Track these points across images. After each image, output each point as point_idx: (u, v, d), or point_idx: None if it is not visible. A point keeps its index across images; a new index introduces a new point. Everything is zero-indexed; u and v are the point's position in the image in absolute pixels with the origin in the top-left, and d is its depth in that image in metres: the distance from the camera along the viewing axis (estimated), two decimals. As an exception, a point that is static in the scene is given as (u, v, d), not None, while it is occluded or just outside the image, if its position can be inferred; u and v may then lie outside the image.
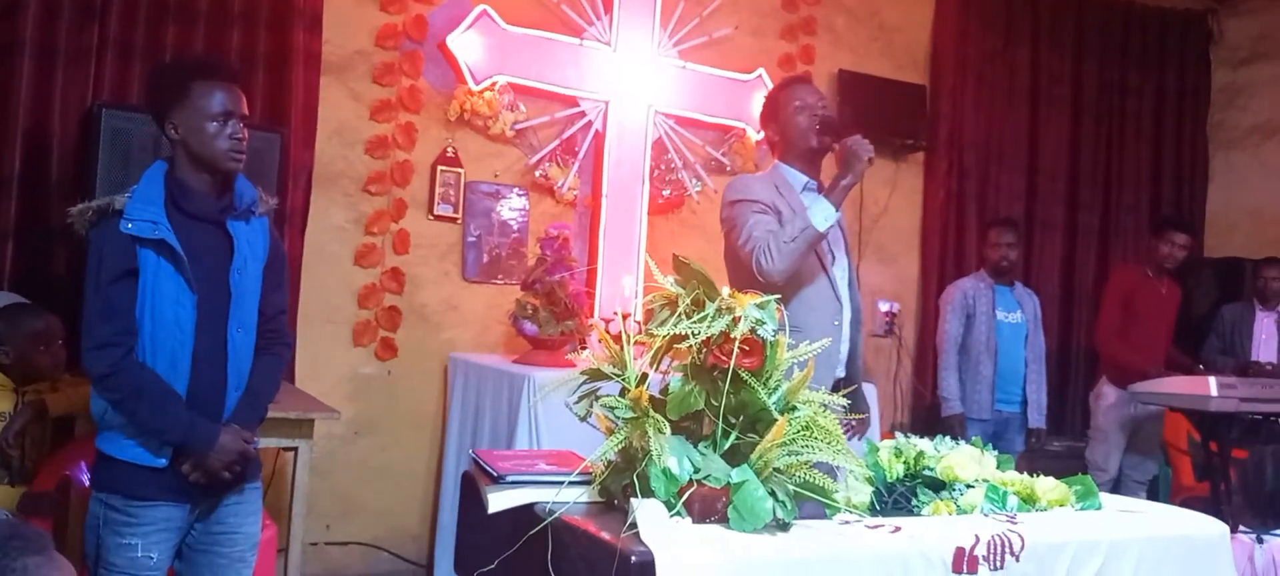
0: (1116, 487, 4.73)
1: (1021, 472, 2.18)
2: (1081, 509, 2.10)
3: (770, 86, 4.72)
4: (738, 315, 1.66)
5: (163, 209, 2.08)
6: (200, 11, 3.71)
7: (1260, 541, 2.80)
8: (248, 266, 2.17)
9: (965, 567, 1.75)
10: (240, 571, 2.23)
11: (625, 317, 2.00)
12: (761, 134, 4.69)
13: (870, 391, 4.18)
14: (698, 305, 1.71)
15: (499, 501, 1.80)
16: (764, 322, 1.67)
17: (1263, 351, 5.08)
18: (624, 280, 4.09)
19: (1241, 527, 2.89)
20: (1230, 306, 5.27)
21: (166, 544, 2.11)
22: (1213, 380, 4.30)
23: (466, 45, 4.13)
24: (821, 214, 2.56)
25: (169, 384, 2.07)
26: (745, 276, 2.57)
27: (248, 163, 3.24)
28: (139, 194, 2.09)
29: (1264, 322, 5.12)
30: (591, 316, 4.12)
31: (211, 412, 2.12)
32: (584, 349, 3.86)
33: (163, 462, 2.08)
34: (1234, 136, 6.24)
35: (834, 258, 2.76)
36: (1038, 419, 4.54)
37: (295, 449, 3.16)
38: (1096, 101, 5.89)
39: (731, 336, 1.65)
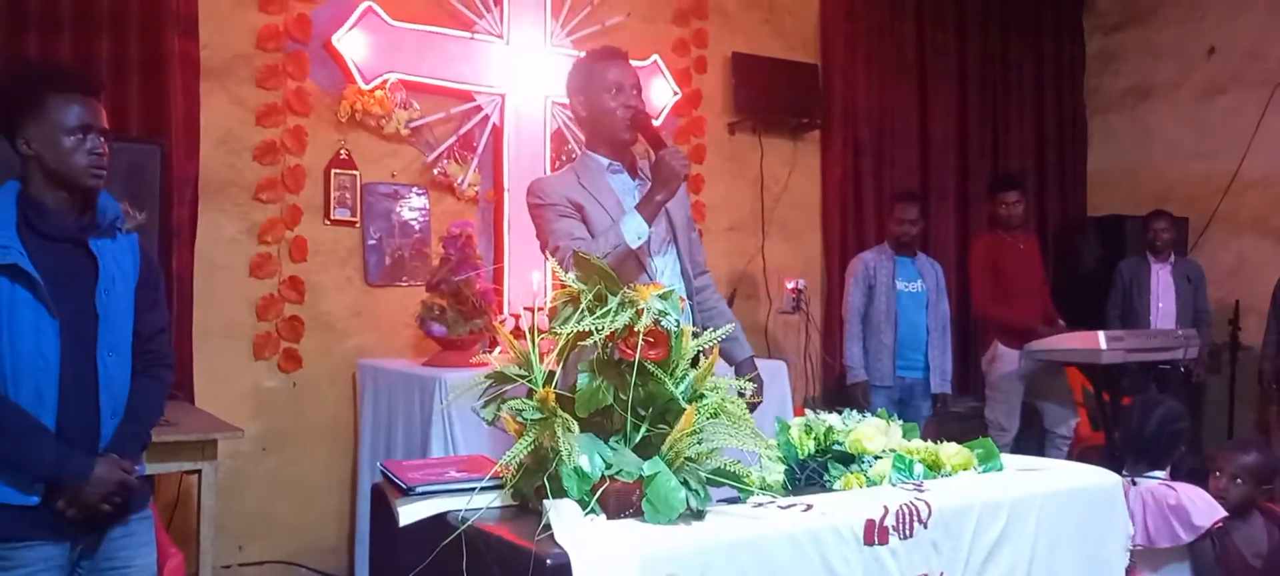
0: (1041, 444, 4.89)
1: (928, 438, 2.25)
2: (984, 471, 2.18)
3: (665, 72, 4.80)
4: (640, 308, 1.65)
5: (14, 232, 1.97)
6: (64, 18, 3.51)
7: (1134, 483, 2.97)
8: (116, 286, 2.07)
9: (876, 538, 1.79)
10: None
11: (530, 312, 1.97)
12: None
13: (781, 367, 4.26)
14: (600, 300, 1.70)
15: (410, 514, 1.76)
16: (667, 314, 1.68)
17: (1162, 301, 5.31)
18: (532, 275, 4.05)
19: (1123, 471, 3.05)
20: (1126, 262, 5.47)
21: None
22: (1102, 334, 4.55)
23: (353, 43, 4.02)
24: (634, 230, 2.49)
25: (35, 416, 1.96)
26: None
27: (127, 176, 3.11)
28: None
29: (1159, 275, 5.36)
30: (500, 314, 4.08)
31: (86, 443, 2.02)
32: (495, 348, 3.81)
33: (34, 500, 1.97)
34: (1110, 100, 6.54)
35: (662, 244, 2.69)
36: (942, 384, 4.68)
37: (199, 471, 3.05)
38: (980, 72, 6.10)
39: (635, 329, 1.65)
